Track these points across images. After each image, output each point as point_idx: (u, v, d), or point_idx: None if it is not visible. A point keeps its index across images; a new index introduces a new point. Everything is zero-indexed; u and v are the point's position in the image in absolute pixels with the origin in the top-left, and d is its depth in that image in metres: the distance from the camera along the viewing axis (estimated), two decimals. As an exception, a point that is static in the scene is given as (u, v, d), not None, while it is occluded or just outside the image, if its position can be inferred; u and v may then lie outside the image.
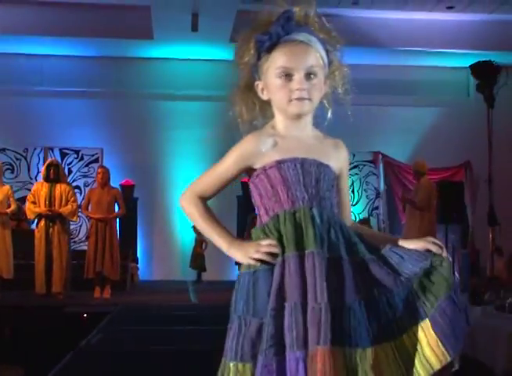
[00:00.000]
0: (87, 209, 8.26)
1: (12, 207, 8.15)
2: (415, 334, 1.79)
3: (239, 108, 1.96)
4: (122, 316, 6.19)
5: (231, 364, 1.77)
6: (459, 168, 11.35)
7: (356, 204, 11.48)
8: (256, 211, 1.93)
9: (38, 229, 7.94)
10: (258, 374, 1.70)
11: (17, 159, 10.98)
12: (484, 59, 7.74)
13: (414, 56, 10.98)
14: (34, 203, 7.92)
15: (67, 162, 11.08)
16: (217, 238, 1.90)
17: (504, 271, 7.18)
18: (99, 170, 8.41)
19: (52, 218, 7.89)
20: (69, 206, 7.93)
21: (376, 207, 11.51)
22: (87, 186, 10.86)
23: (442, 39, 10.69)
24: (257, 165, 1.88)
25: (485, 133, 8.04)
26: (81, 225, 10.82)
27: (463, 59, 10.76)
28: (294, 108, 1.86)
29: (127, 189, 10.48)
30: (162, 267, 11.30)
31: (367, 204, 11.55)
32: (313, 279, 1.74)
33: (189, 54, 11.11)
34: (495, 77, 7.21)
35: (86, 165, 11.05)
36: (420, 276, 1.82)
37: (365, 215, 11.44)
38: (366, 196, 11.54)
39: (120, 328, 5.38)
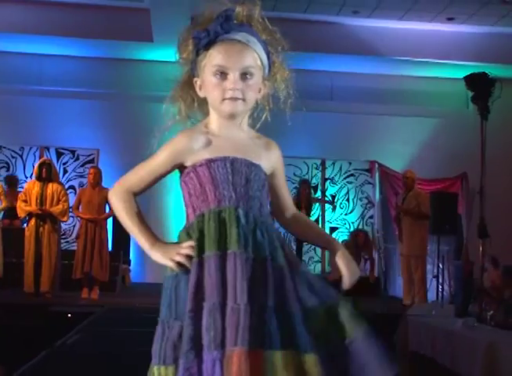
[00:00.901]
0: (78, 209, 8.26)
1: (3, 205, 8.16)
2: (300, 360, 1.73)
3: (179, 104, 1.97)
4: (104, 318, 6.18)
5: (155, 368, 1.77)
6: (455, 180, 11.30)
7: (351, 212, 11.45)
8: (185, 211, 1.92)
9: (29, 227, 7.95)
10: (209, 370, 1.68)
11: (13, 157, 10.98)
12: (480, 71, 7.69)
13: (413, 65, 10.97)
14: (25, 201, 7.93)
15: (63, 162, 11.08)
16: (139, 237, 1.88)
17: (499, 282, 7.17)
18: (91, 170, 8.42)
19: (43, 217, 7.89)
20: (60, 206, 7.93)
21: (371, 217, 11.47)
22: (82, 187, 10.84)
23: (441, 50, 10.68)
24: (188, 163, 1.88)
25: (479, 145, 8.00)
26: (74, 225, 10.78)
27: (462, 71, 10.71)
28: (227, 107, 1.86)
29: (121, 190, 10.45)
30: (155, 270, 11.21)
31: (362, 213, 11.52)
32: (233, 279, 1.73)
33: (188, 57, 11.11)
34: (489, 89, 7.18)
35: (82, 165, 11.04)
36: (320, 312, 1.82)
37: (359, 223, 11.40)
38: (361, 205, 11.50)
39: (99, 329, 5.36)
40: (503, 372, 4.02)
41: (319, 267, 11.22)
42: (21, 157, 10.99)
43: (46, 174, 7.98)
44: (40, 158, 10.39)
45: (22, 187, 9.61)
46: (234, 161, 1.86)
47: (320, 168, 11.47)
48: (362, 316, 1.84)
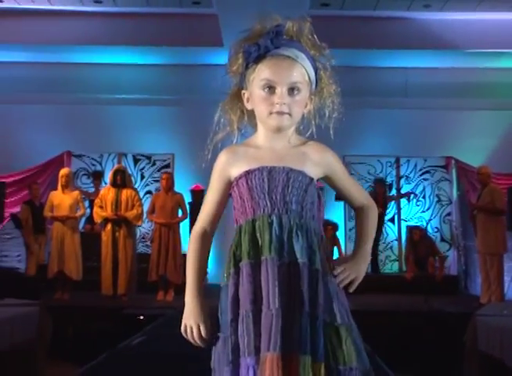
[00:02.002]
0: (152, 214, 8.46)
1: (82, 211, 8.47)
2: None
3: (229, 116, 2.02)
4: (172, 320, 6.29)
5: None
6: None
7: (427, 210, 11.22)
8: None
9: (105, 232, 8.20)
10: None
11: (93, 165, 11.36)
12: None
13: (489, 57, 10.63)
14: (101, 207, 8.19)
15: (140, 167, 11.38)
16: (188, 284, 1.98)
17: None
18: (164, 176, 8.60)
19: (118, 222, 8.13)
20: (134, 210, 8.15)
21: (449, 214, 11.20)
22: (159, 191, 11.10)
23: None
24: (232, 177, 1.95)
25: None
26: (153, 229, 11.05)
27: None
28: (274, 121, 1.90)
29: (196, 193, 10.63)
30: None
31: (439, 211, 11.25)
32: (266, 285, 1.77)
33: (259, 60, 11.18)
34: None
35: (158, 170, 11.30)
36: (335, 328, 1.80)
37: (436, 221, 11.16)
38: (438, 202, 11.24)
39: (165, 331, 5.47)
40: None
41: (396, 266, 11.05)
42: (100, 164, 11.36)
43: (121, 180, 8.21)
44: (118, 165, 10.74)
45: (106, 183, 9.99)
46: (272, 170, 1.90)
47: (394, 166, 11.30)
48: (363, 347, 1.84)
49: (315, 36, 1.97)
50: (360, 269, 1.94)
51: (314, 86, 1.96)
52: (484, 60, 10.77)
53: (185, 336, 1.92)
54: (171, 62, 11.09)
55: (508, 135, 10.88)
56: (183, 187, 9.41)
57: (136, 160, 11.39)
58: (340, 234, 10.58)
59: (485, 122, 10.91)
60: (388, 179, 11.09)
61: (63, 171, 8.56)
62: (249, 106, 1.97)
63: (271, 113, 1.89)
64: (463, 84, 11.10)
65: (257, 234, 1.84)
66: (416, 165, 11.28)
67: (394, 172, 11.29)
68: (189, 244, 2.02)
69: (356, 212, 2.06)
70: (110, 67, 11.19)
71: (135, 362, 4.22)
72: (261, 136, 1.98)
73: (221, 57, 11.57)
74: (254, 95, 1.92)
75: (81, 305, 7.64)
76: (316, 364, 1.72)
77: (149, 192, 11.09)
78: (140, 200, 8.41)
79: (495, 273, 8.01)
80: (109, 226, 8.17)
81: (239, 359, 1.75)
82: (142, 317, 6.63)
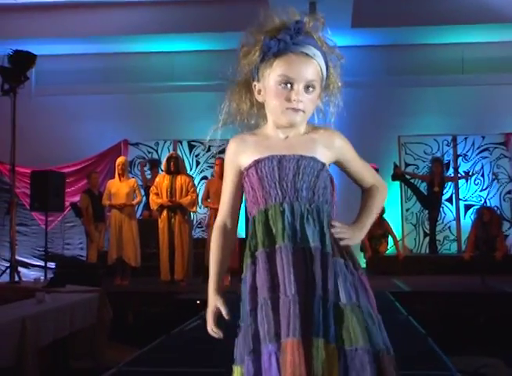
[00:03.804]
0: (206, 200, 8.54)
1: (138, 199, 8.62)
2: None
3: (236, 105, 2.03)
4: (230, 304, 6.36)
5: (234, 367, 1.89)
6: None
7: (486, 188, 10.98)
8: None
9: (161, 219, 8.32)
10: (266, 363, 1.75)
11: (149, 152, 11.53)
12: None
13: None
14: (156, 194, 8.31)
15: (195, 154, 11.49)
16: (210, 278, 2.04)
17: None
18: (217, 162, 8.64)
19: (174, 208, 8.24)
20: (188, 197, 8.24)
21: (509, 192, 10.94)
22: (214, 177, 11.20)
23: None
24: (242, 166, 1.97)
25: None
26: (209, 215, 11.16)
27: None
28: (287, 117, 1.91)
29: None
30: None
31: (499, 189, 11.01)
32: (282, 272, 1.80)
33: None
34: None
35: (213, 156, 11.38)
36: (343, 310, 1.80)
37: (496, 200, 10.92)
38: (498, 180, 10.99)
39: (221, 315, 5.54)
40: None
41: (454, 246, 10.88)
42: (156, 151, 11.53)
43: (174, 167, 8.31)
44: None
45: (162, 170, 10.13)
46: (282, 159, 1.90)
47: (451, 145, 11.09)
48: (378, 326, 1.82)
49: (326, 34, 1.95)
50: (355, 236, 1.93)
51: (324, 82, 1.97)
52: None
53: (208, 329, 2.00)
54: (223, 47, 11.10)
55: None
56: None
57: (191, 147, 11.50)
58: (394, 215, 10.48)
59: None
60: (445, 158, 10.90)
61: (119, 160, 8.72)
62: (260, 99, 1.97)
63: (286, 109, 1.89)
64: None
65: (271, 223, 1.86)
66: (473, 143, 11.05)
67: (451, 151, 11.09)
68: (212, 238, 2.06)
69: (364, 192, 2.07)
70: (164, 55, 11.34)
71: (189, 345, 4.29)
72: (270, 127, 1.98)
73: (271, 41, 11.63)
74: (269, 90, 1.91)
75: (139, 290, 7.80)
76: (329, 346, 1.73)
77: (204, 178, 11.20)
78: (194, 186, 8.49)
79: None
80: (164, 213, 8.29)
81: (261, 347, 1.77)
82: (198, 302, 6.71)
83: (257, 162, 1.92)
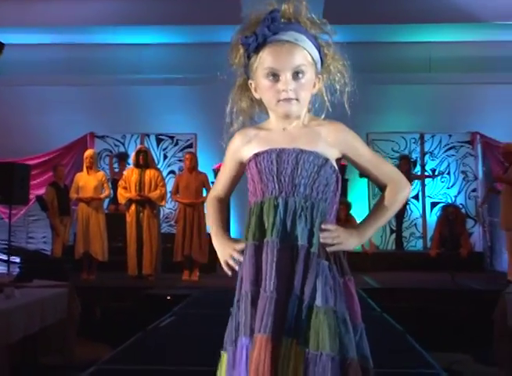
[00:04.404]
0: (176, 194, 8.46)
1: (106, 192, 8.50)
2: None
3: (239, 106, 2.03)
4: (200, 299, 6.32)
5: (221, 353, 1.90)
6: None
7: (452, 186, 11.12)
8: None
9: (129, 213, 8.23)
10: (239, 354, 1.78)
11: (116, 145, 11.41)
12: None
13: (513, 30, 10.46)
14: (125, 188, 8.21)
15: (163, 147, 11.40)
16: (212, 232, 2.04)
17: None
18: (187, 156, 8.57)
19: (142, 202, 8.15)
20: (157, 191, 8.16)
21: (474, 190, 11.10)
22: (181, 171, 11.13)
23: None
24: (245, 159, 1.96)
25: None
26: (176, 209, 11.10)
27: None
28: (282, 108, 1.89)
29: (220, 173, 10.63)
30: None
31: (464, 187, 11.16)
32: (266, 267, 1.79)
33: (280, 37, 11.07)
34: None
35: (181, 150, 11.30)
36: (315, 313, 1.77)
37: (461, 198, 11.07)
38: (463, 178, 11.14)
39: (193, 311, 5.50)
40: None
41: (420, 243, 11.00)
42: (123, 144, 11.40)
43: (143, 161, 8.22)
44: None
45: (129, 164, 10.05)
46: (281, 152, 1.88)
47: (419, 142, 11.20)
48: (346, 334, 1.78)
49: (313, 14, 1.92)
50: (349, 242, 1.88)
51: (319, 65, 1.93)
52: (509, 33, 10.59)
53: (229, 270, 1.93)
54: (192, 41, 11.04)
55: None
56: (206, 167, 9.38)
57: (159, 141, 11.41)
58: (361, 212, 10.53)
59: (510, 96, 10.75)
60: (413, 156, 11.00)
61: (88, 153, 8.59)
62: (257, 96, 1.96)
63: (278, 101, 1.87)
64: (487, 58, 10.94)
65: (264, 216, 1.84)
66: (440, 141, 11.18)
67: (418, 149, 11.20)
68: (206, 209, 2.13)
69: (383, 191, 1.97)
70: (133, 48, 11.18)
71: (166, 342, 4.24)
72: (273, 121, 1.97)
73: (242, 35, 11.57)
74: (260, 85, 1.91)
75: (107, 285, 7.69)
76: (297, 347, 1.73)
77: (172, 172, 11.12)
78: (163, 180, 8.42)
79: (521, 250, 7.92)
80: (133, 207, 8.20)
81: (238, 338, 1.78)
82: (169, 297, 6.65)
83: (256, 155, 1.91)
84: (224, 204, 2.10)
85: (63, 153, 10.88)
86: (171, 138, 11.40)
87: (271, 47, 1.86)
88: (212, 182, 9.06)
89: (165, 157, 11.36)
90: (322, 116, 1.97)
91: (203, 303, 5.99)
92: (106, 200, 9.89)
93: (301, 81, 1.86)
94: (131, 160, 8.45)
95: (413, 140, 11.21)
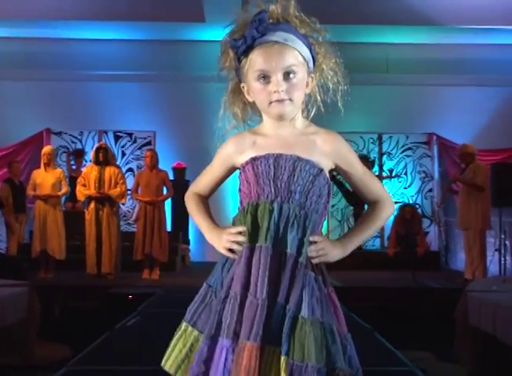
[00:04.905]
0: (136, 192, 8.38)
1: (64, 190, 8.36)
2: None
3: (232, 110, 2.00)
4: (163, 298, 6.27)
5: (183, 324, 1.89)
6: (516, 150, 10.99)
7: (409, 186, 11.29)
8: None
9: (88, 211, 8.10)
10: (217, 355, 1.75)
11: (73, 142, 11.23)
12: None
13: (471, 33, 10.63)
14: (84, 185, 8.08)
15: (121, 145, 11.27)
16: (202, 226, 2.00)
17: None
18: (148, 153, 8.49)
19: (102, 200, 8.04)
20: (118, 188, 8.06)
21: (430, 190, 11.28)
22: (140, 169, 11.01)
23: (504, 16, 10.30)
24: (238, 164, 1.94)
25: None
26: (134, 207, 10.98)
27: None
28: (275, 110, 1.86)
29: (179, 171, 10.58)
30: (214, 248, 11.34)
31: (420, 187, 11.33)
32: (257, 273, 1.77)
33: (240, 36, 11.05)
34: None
35: (139, 148, 11.19)
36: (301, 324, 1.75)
37: (418, 197, 11.24)
38: (420, 178, 11.31)
39: (158, 310, 5.45)
40: None
41: (378, 242, 11.13)
42: (80, 141, 11.23)
43: (103, 158, 8.11)
44: (99, 142, 10.61)
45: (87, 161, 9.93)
46: (278, 158, 1.86)
47: (377, 143, 11.33)
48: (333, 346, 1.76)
49: (302, 13, 1.90)
50: (333, 254, 1.86)
51: (311, 64, 1.92)
52: (466, 36, 10.78)
53: (233, 254, 1.86)
54: (152, 37, 10.93)
55: (490, 111, 10.95)
56: (165, 165, 9.31)
57: (117, 138, 11.28)
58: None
59: (467, 99, 10.96)
60: (371, 156, 11.11)
61: (46, 149, 8.43)
62: (250, 98, 1.93)
63: (271, 103, 1.85)
64: (444, 60, 11.11)
65: (258, 219, 1.83)
66: (398, 142, 11.33)
67: (376, 149, 11.33)
68: (186, 204, 2.07)
69: (369, 207, 1.99)
70: (91, 43, 11.00)
71: (134, 343, 4.18)
72: (267, 124, 1.94)
73: (203, 33, 11.53)
74: (252, 87, 1.88)
75: (66, 284, 7.57)
76: (282, 357, 1.71)
77: (130, 170, 11.00)
78: (124, 177, 8.32)
79: (478, 249, 8.06)
80: (92, 205, 8.08)
81: (218, 337, 1.76)
82: (130, 296, 6.57)
83: (253, 159, 1.88)
84: (206, 201, 2.07)
85: (18, 149, 10.66)
86: (130, 135, 11.29)
87: (260, 49, 1.83)
88: (171, 181, 9.01)
89: (123, 154, 11.24)
90: (311, 114, 1.96)
91: (168, 302, 5.93)
92: (63, 198, 9.73)
93: (292, 82, 1.84)
94: (91, 157, 8.32)
95: (371, 140, 11.34)
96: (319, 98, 1.97)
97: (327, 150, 1.90)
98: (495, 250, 8.56)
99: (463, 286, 6.78)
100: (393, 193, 11.23)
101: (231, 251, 1.86)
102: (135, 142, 11.26)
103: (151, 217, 8.19)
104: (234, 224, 1.91)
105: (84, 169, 8.47)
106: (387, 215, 1.97)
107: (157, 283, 7.77)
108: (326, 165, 1.90)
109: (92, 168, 8.16)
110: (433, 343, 6.10)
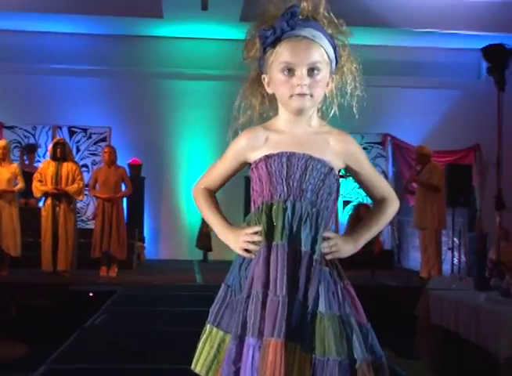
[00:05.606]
0: (94, 188, 8.26)
1: (20, 185, 8.17)
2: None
3: (249, 101, 2.00)
4: (127, 296, 6.22)
5: (208, 325, 1.92)
6: (468, 151, 11.27)
7: (364, 186, 11.42)
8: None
9: (45, 207, 7.95)
10: (245, 354, 1.78)
11: (26, 137, 11.00)
12: (496, 42, 7.65)
13: (426, 37, 10.85)
14: (40, 181, 7.93)
15: (75, 140, 11.10)
16: (215, 225, 2.00)
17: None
18: (106, 149, 8.39)
19: (59, 196, 7.90)
20: (75, 185, 7.93)
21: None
22: (95, 165, 10.89)
23: (455, 21, 10.55)
24: (251, 160, 1.95)
25: (495, 116, 7.97)
26: (88, 204, 10.85)
27: (475, 41, 10.64)
28: (295, 103, 1.88)
29: (134, 168, 10.48)
30: (168, 246, 11.33)
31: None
32: (275, 270, 1.80)
33: (198, 33, 11.02)
34: (506, 60, 7.14)
35: (94, 144, 11.05)
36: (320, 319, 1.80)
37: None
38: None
39: (124, 308, 5.41)
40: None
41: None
42: (34, 136, 11.01)
43: (61, 153, 7.97)
44: (52, 137, 10.44)
45: (36, 167, 9.67)
46: (291, 156, 1.88)
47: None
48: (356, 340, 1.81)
49: (331, 13, 1.94)
50: (345, 249, 1.91)
51: (334, 65, 1.95)
52: (420, 39, 10.99)
53: (248, 254, 1.89)
54: (109, 32, 10.80)
55: (441, 113, 11.19)
56: (120, 161, 9.21)
57: (72, 133, 11.11)
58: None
59: (419, 100, 11.18)
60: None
61: (0, 143, 8.22)
62: (270, 90, 1.95)
63: (292, 96, 1.87)
64: (398, 62, 11.31)
65: (273, 218, 1.86)
66: (351, 142, 11.44)
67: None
68: (195, 200, 2.06)
69: (375, 204, 2.05)
70: (47, 36, 10.80)
71: (107, 341, 4.14)
72: (282, 119, 1.96)
73: (160, 29, 11.44)
74: (274, 79, 1.90)
75: (22, 282, 7.41)
76: (301, 353, 1.76)
77: (84, 166, 10.84)
78: (81, 173, 8.17)
79: (433, 248, 8.24)
80: (49, 201, 7.92)
81: (245, 337, 1.79)
82: (91, 294, 6.49)
83: (267, 157, 1.90)
84: (215, 197, 2.07)
85: (-32, 143, 10.36)
86: (85, 131, 11.13)
87: (288, 42, 1.85)
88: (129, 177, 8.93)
89: (78, 150, 11.06)
90: (329, 115, 2.01)
91: (131, 300, 5.90)
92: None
93: (316, 78, 1.86)
94: (48, 152, 8.17)
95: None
96: (335, 100, 2.00)
97: (339, 150, 1.94)
98: (448, 249, 8.76)
99: (421, 284, 6.92)
100: (348, 193, 11.37)
101: (247, 250, 1.89)
102: (89, 137, 11.11)
103: (109, 214, 8.10)
104: (249, 224, 1.92)
105: (40, 164, 8.30)
106: (393, 212, 2.04)
107: (115, 281, 7.69)
108: (337, 165, 1.94)
109: (49, 164, 8.01)
110: (392, 341, 6.20)
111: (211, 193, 2.05)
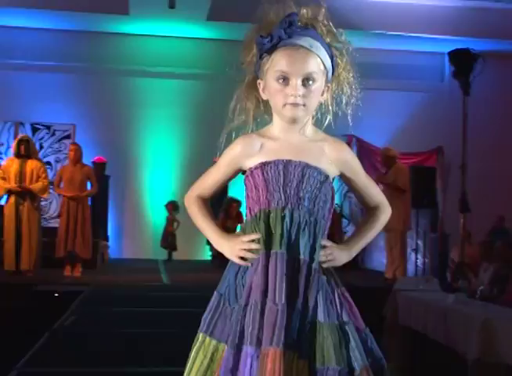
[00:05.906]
0: (59, 187, 8.14)
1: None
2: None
3: (244, 104, 1.98)
4: (94, 297, 6.15)
5: (201, 334, 1.90)
6: (431, 154, 11.43)
7: (329, 187, 11.49)
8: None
9: (8, 205, 7.81)
10: (243, 363, 1.76)
11: (-14, 133, 10.80)
12: (460, 46, 7.78)
13: (390, 39, 10.99)
14: (3, 179, 7.77)
15: (39, 137, 10.92)
16: (209, 233, 1.98)
17: (476, 257, 7.25)
18: (72, 147, 8.26)
19: (23, 194, 7.75)
20: (40, 183, 7.80)
21: (349, 191, 11.51)
22: (58, 162, 10.74)
23: (419, 24, 10.69)
24: (246, 167, 1.94)
25: (459, 119, 8.10)
26: (51, 202, 10.68)
27: (439, 45, 10.82)
28: (288, 112, 1.88)
29: (99, 166, 10.36)
30: (133, 245, 11.25)
31: (339, 187, 11.55)
32: (274, 279, 1.79)
33: (165, 31, 10.94)
34: (471, 64, 7.26)
35: (58, 141, 10.89)
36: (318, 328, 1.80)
37: (337, 198, 11.46)
38: (339, 179, 11.52)
39: (92, 309, 5.34)
40: (499, 347, 4.10)
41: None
42: (-5, 133, 10.81)
43: (25, 151, 7.82)
44: (15, 134, 10.26)
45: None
46: (288, 164, 1.88)
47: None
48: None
49: (331, 22, 1.94)
50: (341, 257, 1.93)
51: (330, 73, 1.95)
52: (384, 42, 11.10)
53: (244, 262, 1.88)
54: (74, 28, 10.65)
55: (408, 115, 11.33)
56: (85, 159, 9.09)
57: (35, 130, 10.92)
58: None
59: (384, 102, 11.26)
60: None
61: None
62: (264, 96, 1.94)
63: (285, 105, 1.86)
64: (363, 64, 11.24)
65: (271, 226, 1.85)
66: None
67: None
68: (188, 208, 2.04)
69: (368, 212, 2.06)
70: (7, 30, 10.61)
71: (79, 342, 4.08)
72: (277, 127, 1.95)
73: (126, 26, 11.34)
74: (269, 86, 1.89)
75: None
76: (299, 361, 1.75)
77: (48, 163, 10.66)
78: (46, 171, 8.03)
79: (398, 249, 8.30)
80: (12, 199, 7.78)
81: (242, 345, 1.77)
82: (57, 294, 6.39)
83: (263, 164, 1.90)
84: (208, 205, 2.05)
85: None
86: (48, 128, 10.95)
87: (285, 50, 1.84)
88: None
89: (41, 147, 10.86)
90: (325, 123, 2.00)
91: (99, 301, 5.83)
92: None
93: (310, 88, 1.86)
94: (12, 149, 8.02)
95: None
96: (330, 108, 2.00)
97: (334, 158, 1.94)
98: (412, 250, 8.87)
99: (387, 285, 6.99)
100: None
101: (243, 258, 1.87)
102: (53, 134, 10.95)
103: (74, 213, 7.97)
104: (245, 231, 1.91)
105: (3, 162, 8.15)
106: (385, 219, 2.06)
107: (80, 281, 7.59)
108: (333, 172, 1.94)
109: (13, 161, 7.85)
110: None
111: (205, 201, 2.04)
